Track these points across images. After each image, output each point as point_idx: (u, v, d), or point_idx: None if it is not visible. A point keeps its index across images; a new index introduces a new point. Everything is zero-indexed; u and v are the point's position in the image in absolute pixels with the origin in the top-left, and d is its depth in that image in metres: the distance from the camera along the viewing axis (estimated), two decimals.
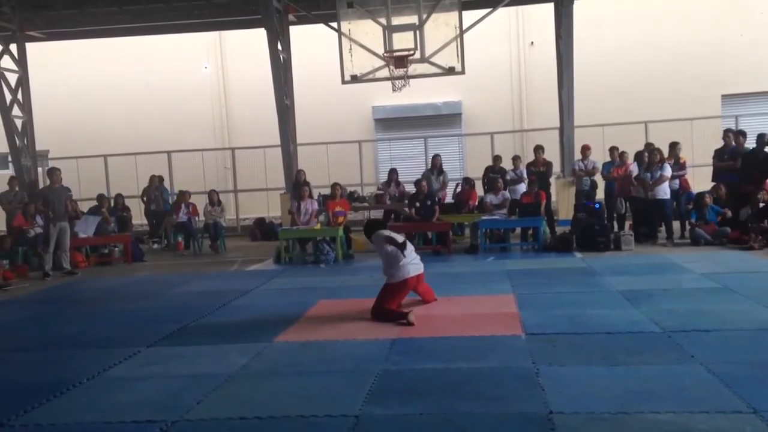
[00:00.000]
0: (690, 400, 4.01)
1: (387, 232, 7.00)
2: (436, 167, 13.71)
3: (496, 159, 13.41)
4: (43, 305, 8.61)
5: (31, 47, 15.51)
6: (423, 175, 13.65)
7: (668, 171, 11.11)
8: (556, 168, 14.03)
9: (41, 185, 14.71)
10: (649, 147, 12.29)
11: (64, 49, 17.45)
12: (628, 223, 11.92)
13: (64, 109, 18.78)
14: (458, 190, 13.57)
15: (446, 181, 13.56)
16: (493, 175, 12.80)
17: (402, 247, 6.74)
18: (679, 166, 11.84)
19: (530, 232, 11.67)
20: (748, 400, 3.93)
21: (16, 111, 15.15)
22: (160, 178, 15.24)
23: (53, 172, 11.37)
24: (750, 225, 10.41)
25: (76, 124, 18.93)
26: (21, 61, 15.14)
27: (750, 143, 11.75)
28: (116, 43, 17.67)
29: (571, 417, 3.85)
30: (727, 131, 12.06)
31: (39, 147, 16.05)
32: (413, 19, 12.06)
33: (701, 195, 11.14)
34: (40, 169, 16.00)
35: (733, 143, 11.67)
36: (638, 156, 11.96)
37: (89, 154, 16.85)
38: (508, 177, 12.90)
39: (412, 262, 6.81)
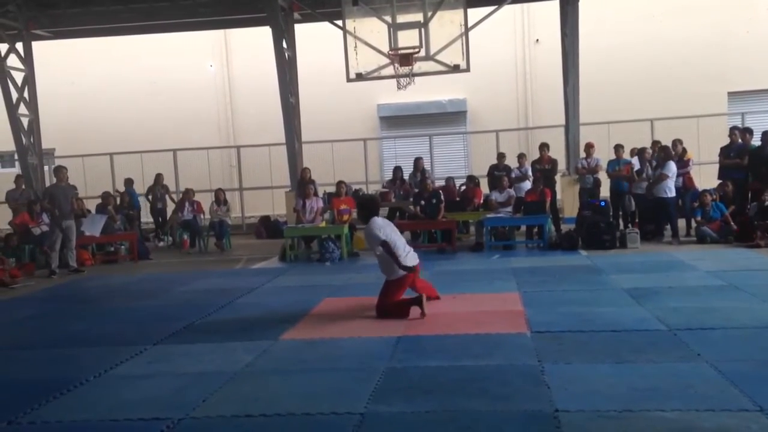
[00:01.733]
0: (696, 398, 4.01)
1: (380, 231, 6.63)
2: (418, 170, 13.65)
3: (501, 156, 13.38)
4: (50, 303, 8.65)
5: (37, 46, 15.55)
6: (410, 178, 13.67)
7: (669, 169, 11.04)
8: (562, 166, 14.01)
9: (47, 183, 14.76)
10: (657, 144, 12.30)
11: (69, 47, 17.48)
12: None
13: (70, 107, 18.83)
14: (462, 188, 13.56)
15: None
16: (498, 173, 12.78)
17: (394, 256, 6.53)
18: (682, 163, 11.80)
19: (535, 229, 11.67)
20: (754, 398, 3.93)
21: (22, 109, 15.20)
22: (130, 181, 15.25)
23: (59, 171, 11.41)
24: (756, 223, 10.38)
25: (81, 123, 18.98)
26: (27, 60, 15.19)
27: (756, 141, 11.72)
28: (122, 42, 17.70)
29: (576, 415, 3.85)
30: (733, 128, 12.04)
31: (45, 145, 16.10)
32: (418, 16, 12.03)
33: (702, 193, 11.11)
34: (46, 168, 16.05)
35: (740, 141, 11.64)
36: (640, 152, 11.95)
37: (95, 152, 16.90)
38: (513, 175, 12.88)
39: (408, 256, 6.71)
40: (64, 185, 11.30)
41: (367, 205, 7.12)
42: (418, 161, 13.97)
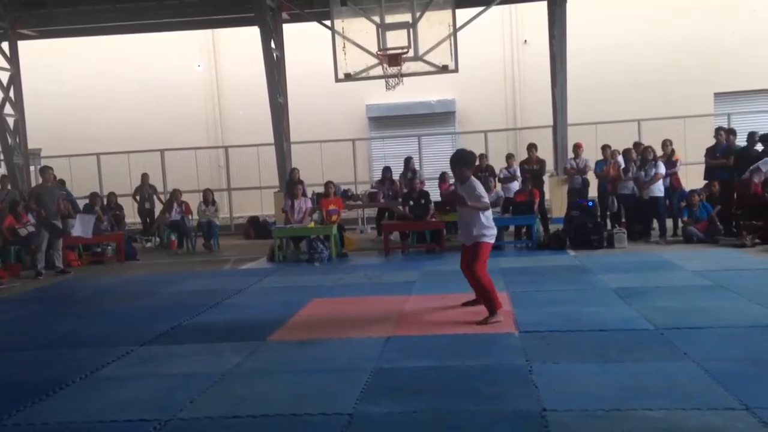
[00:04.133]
0: (682, 396, 4.03)
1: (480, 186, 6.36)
2: (409, 170, 13.62)
3: (481, 157, 13.39)
4: (36, 304, 8.57)
5: (23, 45, 15.44)
6: (400, 177, 13.66)
7: (663, 169, 11.17)
8: (550, 166, 14.06)
9: (33, 183, 14.64)
10: (640, 145, 12.39)
11: (56, 47, 17.36)
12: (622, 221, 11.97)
13: (56, 107, 18.70)
14: (452, 188, 13.55)
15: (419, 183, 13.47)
16: (481, 173, 12.79)
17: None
18: (670, 163, 11.89)
19: (524, 230, 11.70)
20: (740, 397, 3.96)
21: (8, 109, 15.08)
22: (61, 180, 14.31)
23: (45, 171, 11.32)
24: (742, 223, 10.46)
25: (68, 123, 18.85)
26: (13, 59, 15.06)
27: (741, 141, 11.81)
28: (109, 42, 17.62)
29: (564, 414, 3.86)
30: (719, 129, 12.14)
31: (31, 145, 15.98)
32: (407, 17, 12.04)
33: (691, 193, 11.20)
34: (32, 168, 15.93)
35: (725, 141, 11.74)
36: (626, 153, 12.04)
37: (82, 152, 16.79)
38: (501, 175, 12.91)
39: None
40: (50, 186, 11.21)
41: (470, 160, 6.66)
42: (408, 161, 13.94)
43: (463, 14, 12.62)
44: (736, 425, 3.61)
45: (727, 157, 11.49)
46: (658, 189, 11.15)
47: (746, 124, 14.54)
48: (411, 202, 11.87)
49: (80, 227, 12.08)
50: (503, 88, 18.72)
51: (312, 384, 4.64)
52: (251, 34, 14.64)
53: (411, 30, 11.88)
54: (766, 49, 17.20)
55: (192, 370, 5.10)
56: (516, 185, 12.57)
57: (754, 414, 3.72)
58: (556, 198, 14.06)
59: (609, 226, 11.70)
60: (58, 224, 11.10)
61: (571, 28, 13.87)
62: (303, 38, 15.58)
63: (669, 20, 17.43)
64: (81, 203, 13.81)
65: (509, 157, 13.23)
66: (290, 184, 12.93)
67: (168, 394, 4.56)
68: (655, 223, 11.35)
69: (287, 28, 15.18)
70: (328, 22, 12.58)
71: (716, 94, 17.63)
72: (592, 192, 12.84)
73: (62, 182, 13.94)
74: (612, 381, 4.37)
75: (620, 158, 12.20)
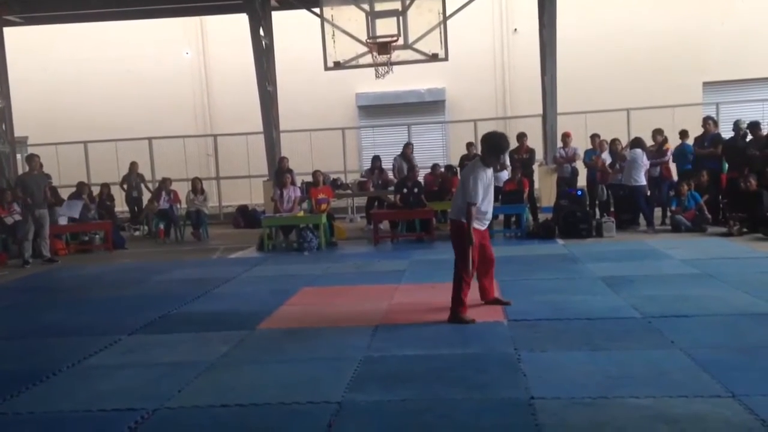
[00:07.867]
0: (669, 384, 4.06)
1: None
2: (406, 157, 13.55)
3: (469, 146, 13.37)
4: (23, 293, 8.53)
5: (8, 31, 15.23)
6: (395, 160, 13.61)
7: (638, 158, 11.16)
8: (539, 155, 14.06)
9: (20, 172, 14.50)
10: (617, 142, 12.45)
11: (43, 33, 17.17)
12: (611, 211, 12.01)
13: (43, 94, 18.49)
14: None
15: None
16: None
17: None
18: (661, 152, 11.92)
19: (513, 219, 11.73)
20: (726, 385, 3.99)
21: None
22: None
23: (31, 159, 11.22)
24: (728, 214, 10.52)
25: (55, 110, 18.65)
26: None
27: (724, 132, 11.91)
28: (97, 28, 17.41)
29: (551, 402, 3.88)
30: (706, 119, 12.19)
31: (17, 133, 15.77)
32: (396, 5, 11.98)
33: (679, 183, 11.25)
34: (18, 156, 15.77)
35: (714, 131, 11.80)
36: (612, 145, 12.07)
37: (69, 140, 16.64)
38: None
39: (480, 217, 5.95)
40: (36, 174, 11.12)
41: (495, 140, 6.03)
42: (407, 146, 13.83)
43: (453, 2, 12.57)
44: (722, 413, 3.63)
45: (715, 147, 11.54)
46: (633, 179, 11.13)
47: (735, 113, 14.58)
48: (405, 190, 11.84)
49: (67, 209, 12.02)
50: (493, 77, 18.68)
51: (300, 373, 4.64)
52: (240, 22, 14.52)
53: (401, 18, 11.82)
54: (754, 39, 17.24)
55: (180, 359, 5.09)
56: (505, 174, 12.55)
57: (741, 402, 3.75)
58: (545, 187, 14.07)
59: (598, 215, 11.75)
60: (45, 212, 11.01)
61: (561, 16, 13.83)
62: (292, 26, 15.48)
63: (658, 9, 17.42)
64: (68, 191, 13.73)
65: None
66: (279, 172, 12.89)
67: (156, 383, 4.55)
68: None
69: (276, 15, 15.06)
70: (317, 10, 12.50)
71: (705, 84, 17.67)
72: (581, 181, 12.86)
73: None
74: (599, 369, 4.39)
75: (605, 155, 12.23)
